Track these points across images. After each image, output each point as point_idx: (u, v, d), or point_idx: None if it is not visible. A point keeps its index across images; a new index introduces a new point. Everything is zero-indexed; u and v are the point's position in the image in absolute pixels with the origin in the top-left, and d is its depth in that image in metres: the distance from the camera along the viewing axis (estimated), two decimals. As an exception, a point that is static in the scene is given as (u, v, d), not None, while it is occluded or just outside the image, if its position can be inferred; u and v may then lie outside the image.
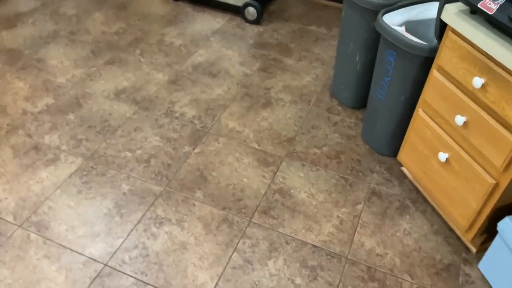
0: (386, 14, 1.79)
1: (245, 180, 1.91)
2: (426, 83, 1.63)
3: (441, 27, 1.52)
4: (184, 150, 2.03)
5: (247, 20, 2.92)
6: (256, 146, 2.07)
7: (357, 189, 1.89)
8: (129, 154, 2.00)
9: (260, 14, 2.85)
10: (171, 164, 1.97)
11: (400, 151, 1.87)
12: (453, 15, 1.41)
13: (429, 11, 1.86)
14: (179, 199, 1.82)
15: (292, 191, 1.87)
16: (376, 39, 1.99)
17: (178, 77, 2.46)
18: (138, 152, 2.02)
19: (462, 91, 1.46)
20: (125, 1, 3.12)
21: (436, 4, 1.86)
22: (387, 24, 1.70)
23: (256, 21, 2.90)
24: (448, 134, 1.57)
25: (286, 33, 2.85)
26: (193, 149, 2.04)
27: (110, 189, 1.85)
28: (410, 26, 1.84)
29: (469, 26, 1.35)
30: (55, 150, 2.01)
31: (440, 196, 1.68)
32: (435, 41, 1.88)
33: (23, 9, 2.98)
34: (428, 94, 1.61)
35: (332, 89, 2.37)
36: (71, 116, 2.18)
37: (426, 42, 1.86)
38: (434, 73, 1.56)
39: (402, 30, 1.66)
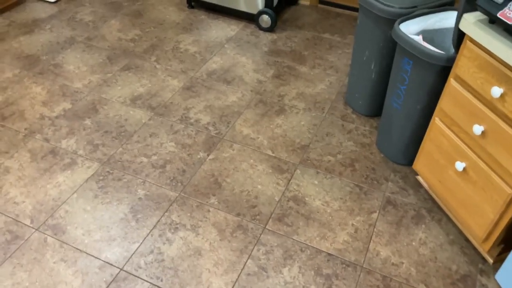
0: (403, 23, 1.79)
1: (259, 187, 1.92)
2: (443, 92, 1.62)
3: (459, 36, 1.52)
4: (198, 156, 2.05)
5: (261, 28, 2.94)
6: (270, 153, 2.08)
7: (372, 198, 1.88)
8: (144, 160, 2.02)
9: (274, 22, 2.87)
10: (186, 170, 1.98)
11: (415, 160, 1.86)
12: (471, 24, 1.41)
13: (445, 20, 1.86)
14: (194, 205, 1.83)
15: (306, 198, 1.87)
16: (392, 48, 1.99)
17: (193, 84, 2.48)
18: (154, 157, 2.03)
19: (480, 101, 1.45)
20: (141, 9, 3.16)
21: (453, 13, 1.86)
22: (404, 33, 1.71)
23: (270, 29, 2.92)
24: (465, 144, 1.56)
25: (299, 41, 2.86)
26: (208, 155, 2.05)
27: (126, 194, 1.87)
28: (427, 35, 1.84)
29: (487, 36, 1.35)
30: (72, 155, 2.03)
31: (457, 206, 1.67)
32: (452, 50, 1.88)
33: (40, 15, 3.03)
34: (445, 103, 1.61)
35: (346, 97, 2.38)
36: (87, 121, 2.21)
37: (442, 51, 1.86)
38: (451, 82, 1.56)
39: (419, 39, 1.67)
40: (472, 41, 1.44)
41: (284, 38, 2.89)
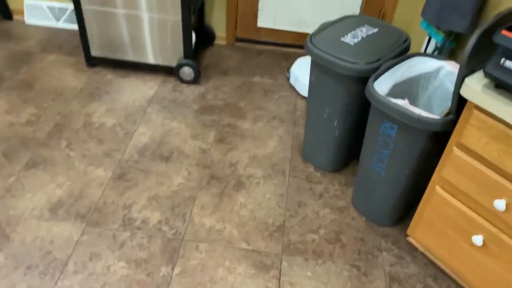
0: (375, 82, 1.59)
1: (248, 298, 1.58)
2: (442, 159, 1.45)
3: (459, 101, 1.35)
4: (161, 274, 1.64)
5: (183, 81, 2.57)
6: (246, 246, 1.75)
7: (374, 278, 1.66)
8: (93, 297, 1.56)
9: (197, 72, 2.52)
10: (152, 298, 1.57)
11: (411, 227, 1.69)
12: (478, 91, 1.24)
13: (413, 68, 1.70)
14: None
15: (306, 300, 1.59)
16: (358, 104, 1.79)
17: (124, 170, 2.03)
18: (104, 290, 1.58)
19: (499, 174, 1.29)
20: (29, 77, 2.57)
21: (419, 59, 1.71)
22: (386, 98, 1.50)
23: (195, 80, 2.56)
24: (481, 215, 1.40)
25: (230, 90, 2.55)
26: (172, 269, 1.66)
27: None
28: (396, 89, 1.67)
29: (502, 105, 1.19)
30: (-12, 317, 1.49)
31: (473, 278, 1.51)
32: (420, 99, 1.74)
33: None
34: (447, 172, 1.43)
35: (304, 153, 2.13)
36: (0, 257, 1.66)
37: (411, 102, 1.71)
38: (454, 151, 1.39)
39: (405, 103, 1.47)
40: (480, 109, 1.27)
41: (212, 89, 2.55)
